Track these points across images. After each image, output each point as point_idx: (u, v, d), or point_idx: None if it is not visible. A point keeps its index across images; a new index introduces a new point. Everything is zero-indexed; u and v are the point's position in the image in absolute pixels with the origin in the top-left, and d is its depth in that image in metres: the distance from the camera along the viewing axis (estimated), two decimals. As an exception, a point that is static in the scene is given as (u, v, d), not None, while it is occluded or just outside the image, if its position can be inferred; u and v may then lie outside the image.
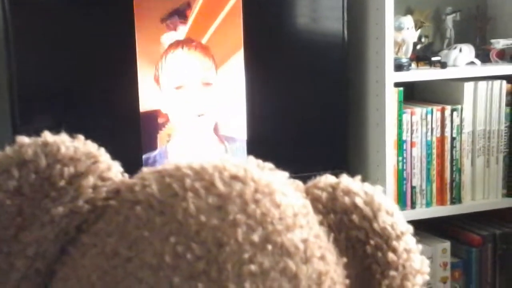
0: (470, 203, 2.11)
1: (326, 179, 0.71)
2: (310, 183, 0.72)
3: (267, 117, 1.94)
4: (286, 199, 0.64)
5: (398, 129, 2.01)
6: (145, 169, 0.66)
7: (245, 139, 1.90)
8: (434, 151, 2.06)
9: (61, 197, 0.63)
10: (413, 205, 2.04)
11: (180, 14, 1.83)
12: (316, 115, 2.00)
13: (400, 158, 2.02)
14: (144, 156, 1.84)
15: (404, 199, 2.03)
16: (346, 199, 0.69)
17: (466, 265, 2.13)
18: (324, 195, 0.69)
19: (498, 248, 2.14)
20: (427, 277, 0.71)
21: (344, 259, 0.66)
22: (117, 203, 0.64)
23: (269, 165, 0.69)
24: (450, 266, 2.09)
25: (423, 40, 2.19)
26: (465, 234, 2.15)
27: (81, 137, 0.67)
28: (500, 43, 2.16)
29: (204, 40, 1.85)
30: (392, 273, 0.68)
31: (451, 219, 2.14)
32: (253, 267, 0.59)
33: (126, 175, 0.67)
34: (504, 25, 2.28)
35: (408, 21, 2.04)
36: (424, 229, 2.13)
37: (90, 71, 1.80)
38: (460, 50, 2.11)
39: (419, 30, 2.14)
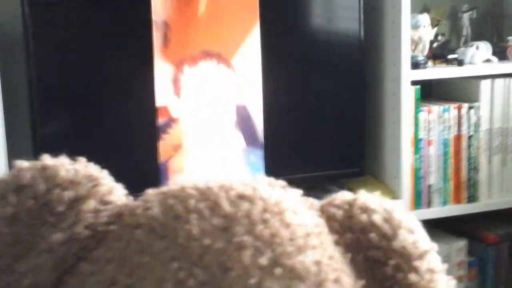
0: (487, 202, 2.10)
1: (342, 196, 0.67)
2: (325, 200, 0.67)
3: (284, 116, 1.94)
4: (297, 218, 0.60)
5: (415, 127, 2.00)
6: (149, 191, 0.63)
7: (262, 138, 1.91)
8: (451, 149, 2.05)
9: (60, 223, 0.60)
10: (429, 204, 2.04)
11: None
12: (333, 114, 2.00)
13: (417, 157, 2.01)
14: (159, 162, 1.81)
15: (420, 197, 2.02)
16: (364, 217, 0.64)
17: (482, 264, 2.12)
18: (340, 213, 0.65)
19: (515, 246, 2.14)
20: None
21: (363, 282, 0.62)
22: (118, 228, 0.61)
23: (281, 183, 0.65)
24: (466, 264, 2.08)
25: (439, 38, 2.19)
26: (481, 233, 2.14)
27: (82, 160, 0.64)
28: (517, 41, 2.16)
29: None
30: None
31: (468, 217, 2.13)
32: None
33: (131, 198, 0.64)
34: (521, 23, 2.27)
35: (424, 19, 2.03)
36: (440, 227, 2.12)
37: (109, 69, 1.80)
38: (477, 48, 2.10)
39: (435, 28, 2.13)
